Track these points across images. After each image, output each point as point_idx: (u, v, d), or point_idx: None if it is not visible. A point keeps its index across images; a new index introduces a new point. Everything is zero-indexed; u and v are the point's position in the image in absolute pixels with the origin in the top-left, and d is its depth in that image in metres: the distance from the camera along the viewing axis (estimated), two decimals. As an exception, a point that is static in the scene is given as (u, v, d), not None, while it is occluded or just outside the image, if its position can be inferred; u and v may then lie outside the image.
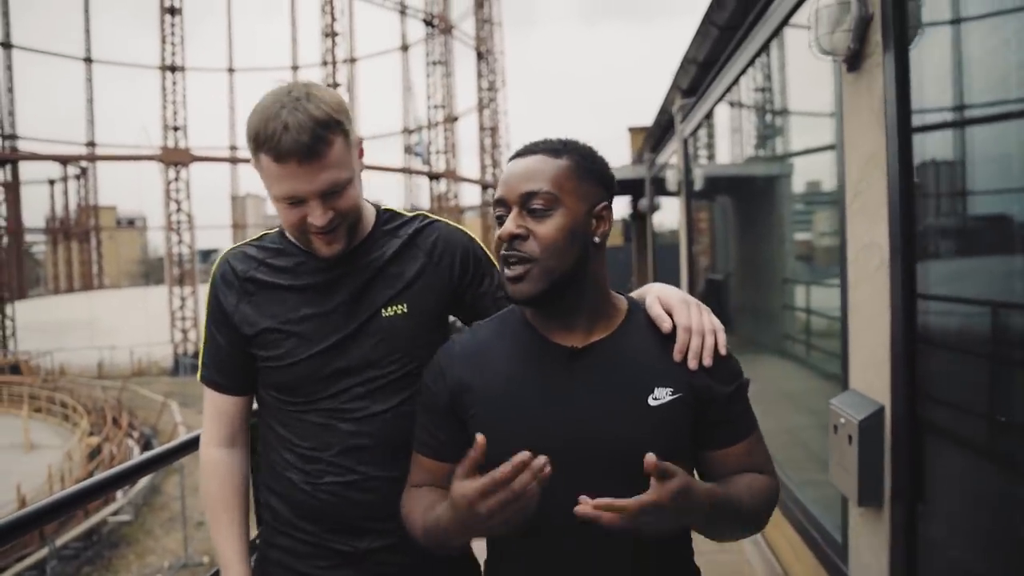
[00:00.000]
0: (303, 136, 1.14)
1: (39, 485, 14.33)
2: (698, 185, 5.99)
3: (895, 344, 1.91)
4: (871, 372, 2.06)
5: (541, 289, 1.05)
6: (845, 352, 2.29)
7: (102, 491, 1.49)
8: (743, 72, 3.97)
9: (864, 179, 2.06)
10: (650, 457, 0.88)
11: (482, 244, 1.43)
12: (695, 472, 1.14)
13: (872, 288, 2.03)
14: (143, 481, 14.99)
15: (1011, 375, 1.68)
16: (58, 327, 35.95)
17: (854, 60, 2.07)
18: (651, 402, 1.05)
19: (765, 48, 3.51)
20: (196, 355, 29.88)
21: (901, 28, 1.88)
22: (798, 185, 4.09)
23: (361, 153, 1.29)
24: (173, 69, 31.39)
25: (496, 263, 1.37)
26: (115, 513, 13.86)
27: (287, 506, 1.34)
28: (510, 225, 1.05)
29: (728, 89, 4.36)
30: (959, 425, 1.86)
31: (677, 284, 7.34)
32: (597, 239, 1.09)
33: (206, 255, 58.32)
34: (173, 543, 12.61)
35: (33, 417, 20.58)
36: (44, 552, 11.65)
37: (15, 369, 28.21)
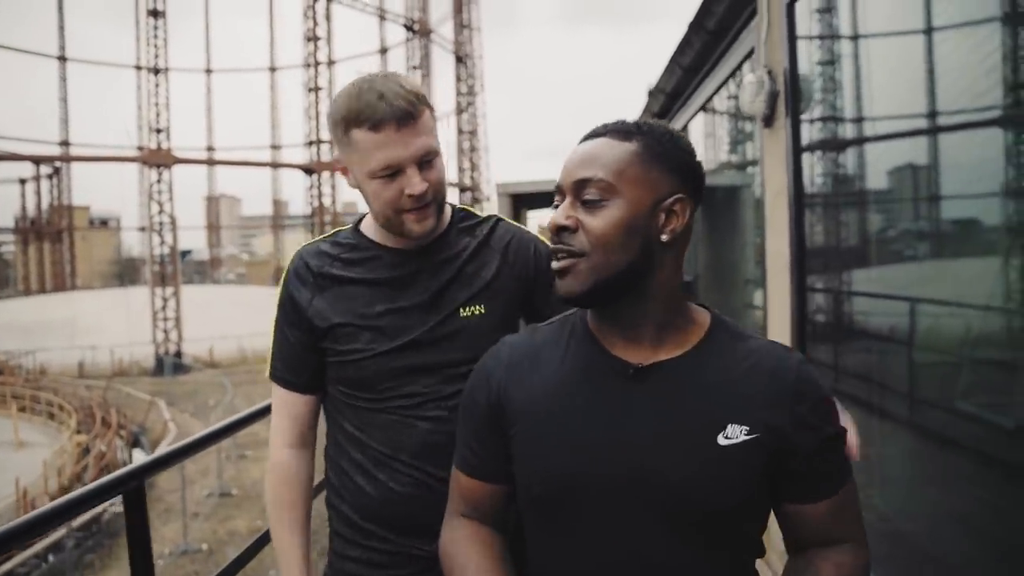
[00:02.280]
0: (399, 101, 1.17)
1: (35, 480, 14.80)
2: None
3: (792, 320, 2.74)
4: (779, 339, 2.89)
5: (586, 288, 0.93)
6: (766, 328, 3.12)
7: (105, 496, 1.53)
8: (700, 109, 4.82)
9: (774, 206, 2.89)
10: None
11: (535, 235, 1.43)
12: (765, 522, 0.99)
13: (779, 282, 2.86)
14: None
15: (858, 340, 2.51)
16: (35, 328, 35.89)
17: (768, 120, 2.90)
18: (721, 441, 0.90)
19: (713, 96, 4.35)
20: (178, 355, 30.26)
21: (795, 101, 2.70)
22: (749, 199, 4.93)
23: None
24: (156, 71, 31.68)
25: None
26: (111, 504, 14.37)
27: (358, 512, 1.31)
28: (559, 215, 0.94)
29: (690, 119, 5.21)
30: (826, 376, 2.70)
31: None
32: (665, 237, 0.93)
33: (183, 256, 58.22)
34: (171, 532, 13.16)
35: (15, 416, 20.87)
36: (47, 541, 12.19)
37: (-5, 369, 28.38)
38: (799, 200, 2.69)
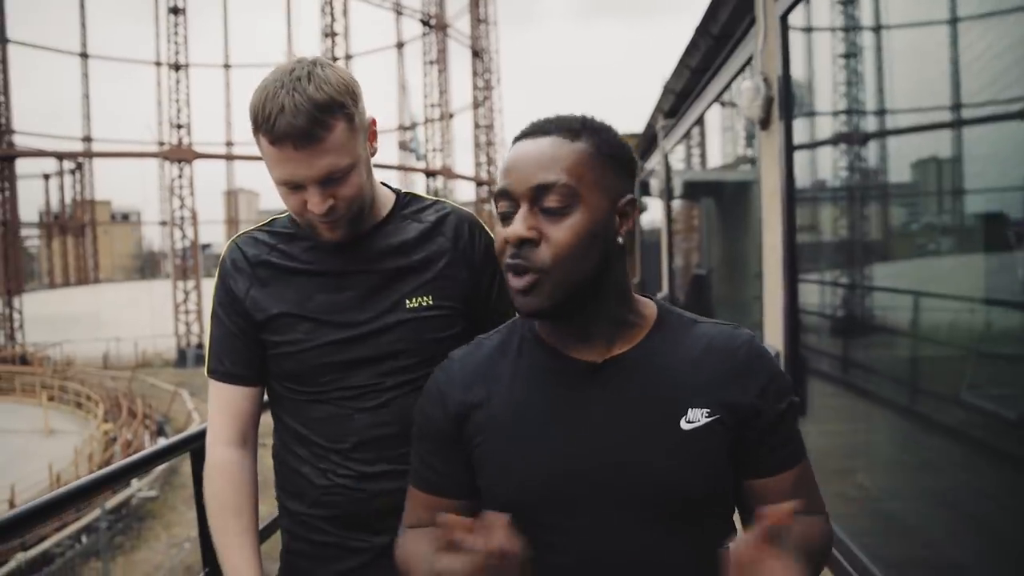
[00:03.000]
0: (299, 119, 1.08)
1: (66, 466, 15.31)
2: (677, 192, 7.06)
3: (785, 312, 2.97)
4: (773, 330, 3.12)
5: (553, 304, 0.89)
6: (762, 319, 3.35)
7: (137, 470, 1.68)
8: (708, 108, 5.03)
9: (770, 204, 3.11)
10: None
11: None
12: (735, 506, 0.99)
13: (774, 275, 3.09)
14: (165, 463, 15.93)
15: (849, 329, 2.74)
16: (61, 320, 36.68)
17: (764, 123, 3.12)
18: (684, 425, 0.90)
19: (720, 95, 4.57)
20: (200, 347, 30.81)
21: (789, 106, 2.92)
22: (758, 194, 5.15)
23: (373, 136, 1.22)
24: (177, 67, 32.19)
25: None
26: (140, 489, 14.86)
27: (304, 505, 1.27)
28: (519, 227, 0.88)
29: (697, 120, 5.43)
30: (819, 363, 2.93)
31: (659, 275, 8.38)
32: (620, 239, 0.93)
33: (202, 249, 59.12)
34: (195, 518, 13.62)
35: (45, 405, 21.50)
36: (80, 523, 12.67)
37: (23, 360, 29.11)
38: (791, 198, 2.92)
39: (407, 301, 1.24)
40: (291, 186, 1.14)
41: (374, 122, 1.22)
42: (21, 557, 10.76)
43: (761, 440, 0.93)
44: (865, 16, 2.64)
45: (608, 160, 0.91)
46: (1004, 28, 1.84)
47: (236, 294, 1.27)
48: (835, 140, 2.92)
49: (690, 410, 0.91)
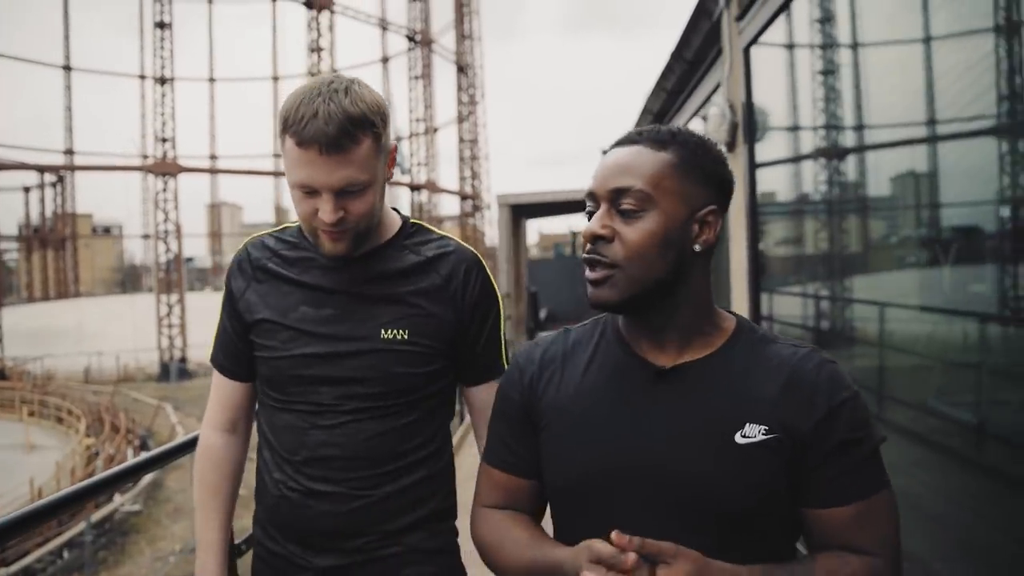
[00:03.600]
0: (330, 127, 1.10)
1: (47, 480, 15.22)
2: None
3: (750, 316, 3.20)
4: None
5: (622, 298, 0.94)
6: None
7: (122, 480, 1.69)
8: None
9: (736, 221, 3.35)
10: (620, 537, 0.80)
11: (491, 275, 1.36)
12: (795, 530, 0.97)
13: (740, 285, 3.32)
14: (147, 477, 15.92)
15: (817, 339, 2.97)
16: (41, 334, 36.34)
17: (730, 146, 3.36)
18: (739, 439, 0.91)
19: (692, 117, 4.82)
20: (183, 360, 30.62)
21: (752, 131, 3.16)
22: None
23: (392, 161, 1.25)
24: (163, 81, 32.25)
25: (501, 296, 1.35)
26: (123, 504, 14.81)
27: (263, 510, 1.32)
28: (595, 224, 0.95)
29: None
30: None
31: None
32: (698, 247, 0.96)
33: (185, 262, 58.81)
34: (180, 530, 13.58)
35: (26, 420, 21.31)
36: (63, 538, 12.62)
37: (2, 375, 28.82)
38: (754, 215, 3.16)
39: (383, 331, 1.24)
40: (306, 191, 1.16)
41: (395, 148, 1.24)
42: (3, 572, 10.70)
43: (820, 467, 0.91)
44: (820, 48, 2.89)
45: (692, 170, 0.95)
46: (947, 52, 2.07)
47: (235, 294, 1.33)
48: (795, 159, 3.17)
49: (747, 425, 0.92)
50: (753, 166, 3.15)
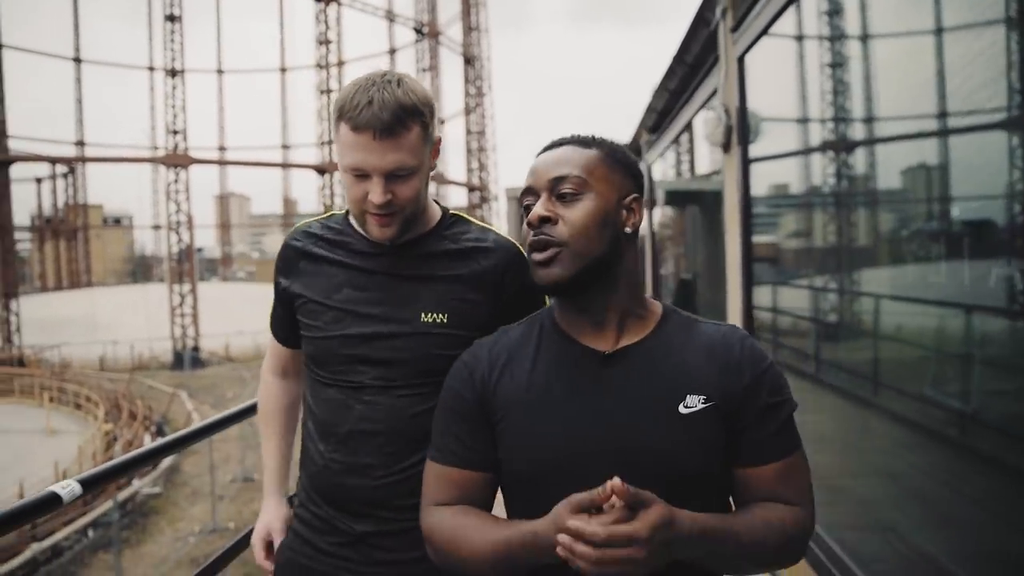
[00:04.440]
0: (384, 113, 1.18)
1: (70, 463, 15.71)
2: (660, 201, 7.62)
3: (743, 305, 3.51)
4: (734, 319, 3.67)
5: (570, 274, 1.01)
6: (726, 310, 3.90)
7: (151, 458, 1.84)
8: (682, 131, 5.60)
9: (731, 217, 3.66)
10: (616, 482, 0.85)
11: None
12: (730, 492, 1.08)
13: (734, 277, 3.64)
14: (165, 461, 16.38)
15: (792, 323, 3.29)
16: (56, 323, 36.88)
17: (726, 147, 3.67)
18: (682, 410, 1.01)
19: (695, 115, 5.12)
20: (196, 349, 31.01)
21: (745, 134, 3.47)
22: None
23: (436, 153, 1.31)
24: (174, 74, 32.59)
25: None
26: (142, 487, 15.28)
27: (307, 477, 1.40)
28: (539, 208, 1.03)
29: (675, 139, 5.99)
30: (788, 359, 3.47)
31: (643, 281, 8.91)
32: (628, 229, 1.06)
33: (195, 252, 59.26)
34: (199, 512, 14.04)
35: (46, 406, 21.83)
36: (88, 517, 13.09)
37: (20, 363, 29.40)
38: (747, 212, 3.47)
39: (423, 315, 1.30)
40: (358, 174, 1.23)
41: (439, 141, 1.31)
42: (36, 547, 11.15)
43: (750, 429, 1.02)
44: (811, 56, 3.19)
45: (615, 164, 1.07)
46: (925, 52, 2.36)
47: (281, 278, 1.42)
48: (781, 156, 3.48)
49: (688, 396, 1.01)
50: (746, 165, 3.46)
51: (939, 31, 2.14)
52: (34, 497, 1.45)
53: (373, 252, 1.34)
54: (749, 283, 3.49)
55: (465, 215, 1.43)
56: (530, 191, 1.07)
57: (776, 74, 3.33)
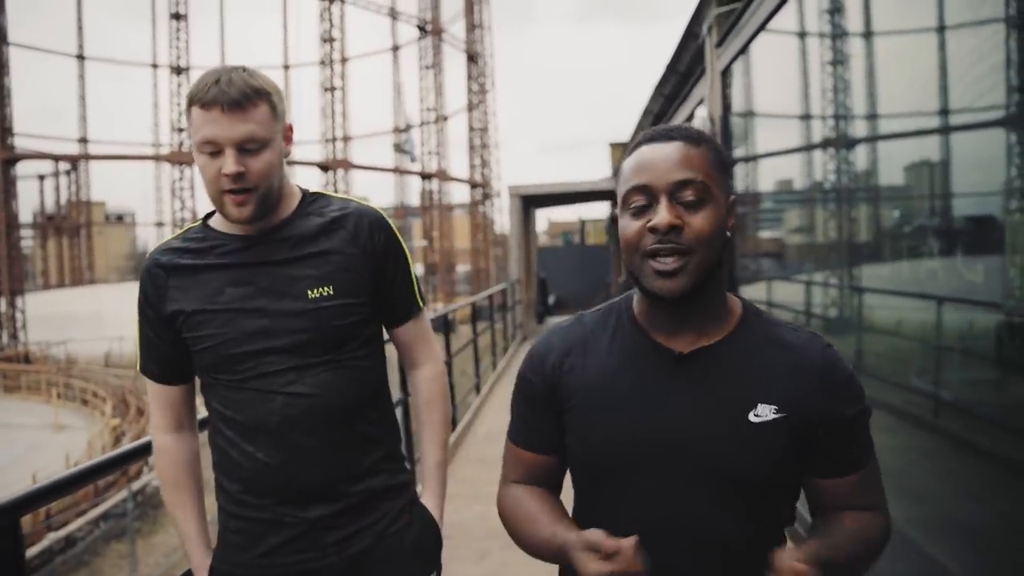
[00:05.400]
0: (231, 89, 1.23)
1: (80, 457, 16.05)
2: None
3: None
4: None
5: (695, 283, 0.98)
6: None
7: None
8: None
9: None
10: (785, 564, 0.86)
11: (394, 226, 1.45)
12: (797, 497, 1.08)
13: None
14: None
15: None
16: (61, 319, 37.21)
17: (711, 152, 3.96)
18: (752, 419, 0.99)
19: (687, 122, 5.42)
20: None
21: (727, 141, 3.77)
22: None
23: (289, 140, 1.35)
24: (179, 71, 32.91)
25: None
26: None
27: (235, 484, 1.35)
28: (667, 216, 0.97)
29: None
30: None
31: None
32: (729, 233, 1.02)
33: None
34: (208, 504, 14.37)
35: (53, 402, 22.18)
36: (101, 509, 13.43)
37: (26, 359, 29.77)
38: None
39: (309, 292, 1.32)
40: (211, 150, 1.26)
41: (291, 128, 1.36)
42: (52, 536, 11.48)
43: (827, 442, 1.01)
44: (785, 68, 3.49)
45: (722, 165, 1.04)
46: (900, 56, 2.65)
47: (152, 301, 1.36)
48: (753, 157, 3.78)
49: (759, 405, 0.99)
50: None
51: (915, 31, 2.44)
52: (133, 445, 1.68)
53: (243, 247, 1.35)
54: (732, 277, 3.79)
55: (325, 192, 1.46)
56: (644, 190, 1.00)
57: (758, 80, 3.64)
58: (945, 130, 2.26)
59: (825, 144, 2.97)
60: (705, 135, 1.05)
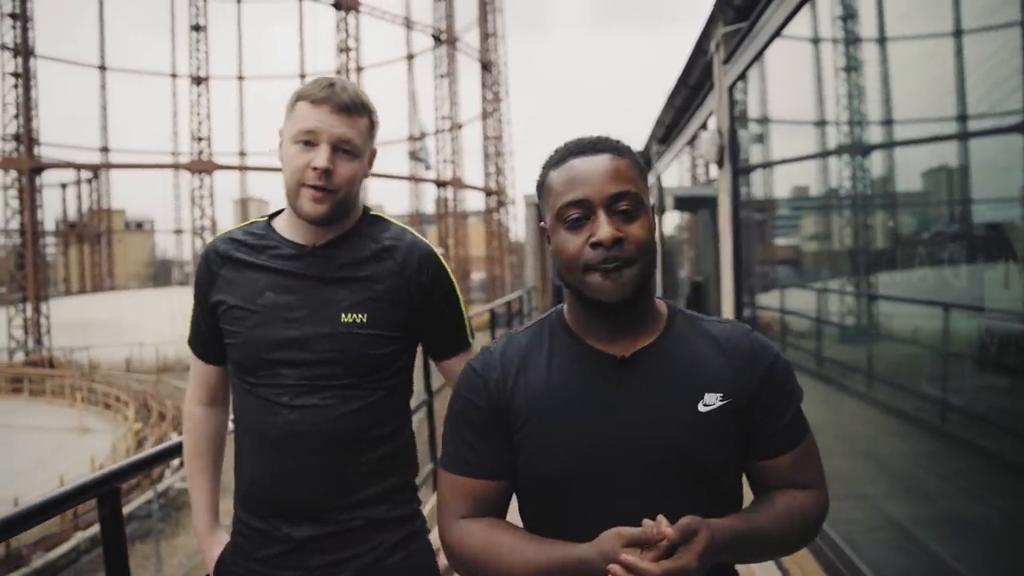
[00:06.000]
0: (343, 94, 1.28)
1: (105, 460, 16.40)
2: (669, 207, 8.10)
3: (734, 296, 4.00)
4: (727, 307, 4.15)
5: (635, 290, 1.02)
6: (720, 300, 4.39)
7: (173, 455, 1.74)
8: (688, 143, 6.09)
9: (723, 222, 4.14)
10: (668, 530, 0.88)
11: (444, 261, 1.44)
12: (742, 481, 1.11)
13: (727, 272, 4.12)
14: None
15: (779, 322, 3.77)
16: (80, 325, 37.79)
17: (720, 163, 4.15)
18: (701, 408, 1.03)
19: (698, 131, 5.61)
20: (220, 352, 31.75)
21: (735, 152, 3.96)
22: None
23: (371, 161, 1.38)
24: (199, 82, 33.47)
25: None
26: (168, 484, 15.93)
27: (242, 487, 1.38)
28: (609, 230, 1.00)
29: (681, 150, 6.49)
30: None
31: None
32: (656, 237, 1.07)
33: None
34: (227, 506, 14.61)
35: (76, 406, 22.61)
36: (125, 510, 13.70)
37: (50, 364, 30.32)
38: (736, 219, 3.97)
39: (343, 315, 1.31)
40: (306, 140, 1.28)
41: (375, 153, 1.40)
42: (80, 536, 11.78)
43: (764, 423, 1.06)
44: (788, 83, 3.68)
45: (643, 172, 1.08)
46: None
47: (203, 285, 1.41)
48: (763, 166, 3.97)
49: (706, 394, 1.04)
50: (736, 178, 3.95)
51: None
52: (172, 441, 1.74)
53: (295, 255, 1.36)
54: (739, 282, 3.98)
55: (384, 215, 1.46)
56: (581, 204, 1.02)
57: (763, 95, 3.82)
58: (927, 140, 2.43)
59: (827, 154, 3.15)
60: (626, 146, 1.08)
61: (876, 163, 2.72)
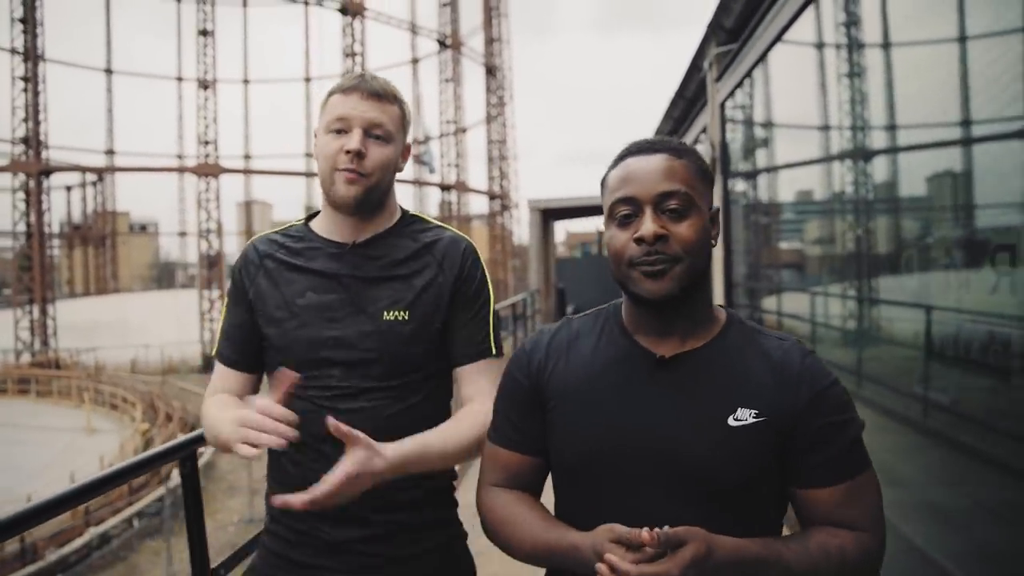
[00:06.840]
0: (373, 83, 1.32)
1: (114, 459, 16.66)
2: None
3: (724, 294, 4.25)
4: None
5: (681, 287, 1.01)
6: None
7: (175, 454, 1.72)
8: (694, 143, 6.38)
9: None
10: (646, 535, 0.86)
11: (483, 262, 1.42)
12: (784, 508, 1.06)
13: (717, 277, 4.38)
14: (202, 458, 17.24)
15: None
16: (86, 327, 38.07)
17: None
18: (731, 422, 0.99)
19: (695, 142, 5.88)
20: (225, 353, 31.99)
21: (725, 163, 4.23)
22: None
23: (405, 156, 1.39)
24: (206, 86, 33.78)
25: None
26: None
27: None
28: (652, 226, 1.00)
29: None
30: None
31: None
32: (714, 242, 1.06)
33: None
34: (236, 504, 14.92)
35: (83, 407, 22.87)
36: (134, 508, 13.99)
37: (56, 365, 30.61)
38: (727, 228, 4.22)
39: (385, 313, 1.31)
40: (339, 128, 1.30)
41: (410, 148, 1.42)
42: (93, 531, 12.04)
43: (808, 450, 1.00)
44: (773, 101, 3.95)
45: (705, 176, 1.07)
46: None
47: (243, 287, 1.40)
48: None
49: (739, 409, 0.99)
50: (726, 187, 4.22)
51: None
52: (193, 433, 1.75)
53: (335, 253, 1.36)
54: (730, 283, 4.24)
55: (423, 215, 1.47)
56: (629, 201, 1.03)
57: (751, 112, 4.09)
58: (913, 148, 2.68)
59: (811, 162, 3.41)
60: (688, 147, 1.08)
61: (845, 172, 2.98)
